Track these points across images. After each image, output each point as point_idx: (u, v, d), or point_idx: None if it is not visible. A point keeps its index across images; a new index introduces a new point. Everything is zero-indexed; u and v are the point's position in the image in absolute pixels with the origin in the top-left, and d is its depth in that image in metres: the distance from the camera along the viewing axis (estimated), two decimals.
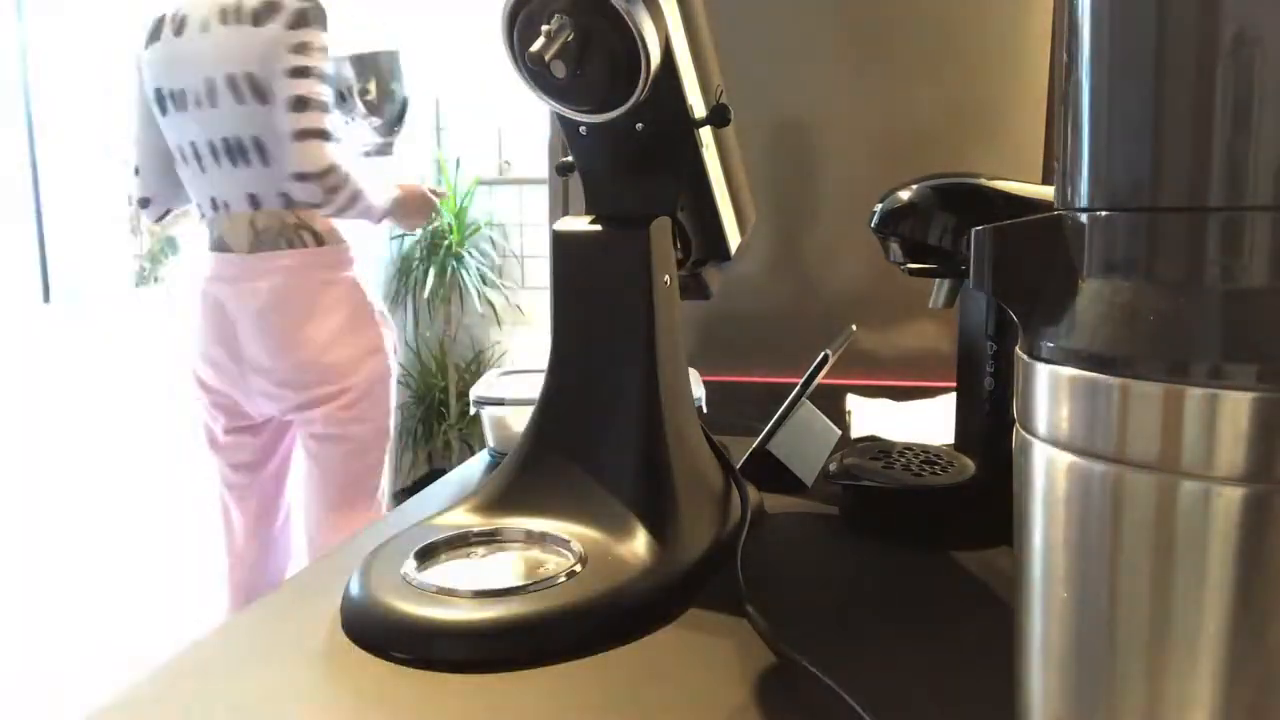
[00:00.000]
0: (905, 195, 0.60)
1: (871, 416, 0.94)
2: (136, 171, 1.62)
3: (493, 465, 0.82)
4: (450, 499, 0.61)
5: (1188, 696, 0.25)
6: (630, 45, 0.49)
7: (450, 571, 0.51)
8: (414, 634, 0.46)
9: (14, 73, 2.01)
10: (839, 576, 0.58)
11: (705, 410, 0.84)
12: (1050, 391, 0.28)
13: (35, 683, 1.87)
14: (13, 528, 1.91)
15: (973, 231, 0.29)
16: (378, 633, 0.47)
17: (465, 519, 0.56)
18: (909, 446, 0.70)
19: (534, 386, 0.60)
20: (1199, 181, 0.24)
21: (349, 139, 1.53)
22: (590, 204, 0.59)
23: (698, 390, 0.83)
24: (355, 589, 0.49)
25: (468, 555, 0.53)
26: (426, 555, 0.52)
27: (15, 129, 2.02)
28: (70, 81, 2.11)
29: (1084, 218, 0.27)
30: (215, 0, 1.45)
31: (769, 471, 0.72)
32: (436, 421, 3.60)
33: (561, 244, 0.57)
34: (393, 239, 3.60)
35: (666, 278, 0.56)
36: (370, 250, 3.28)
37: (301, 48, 1.42)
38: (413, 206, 1.67)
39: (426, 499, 0.73)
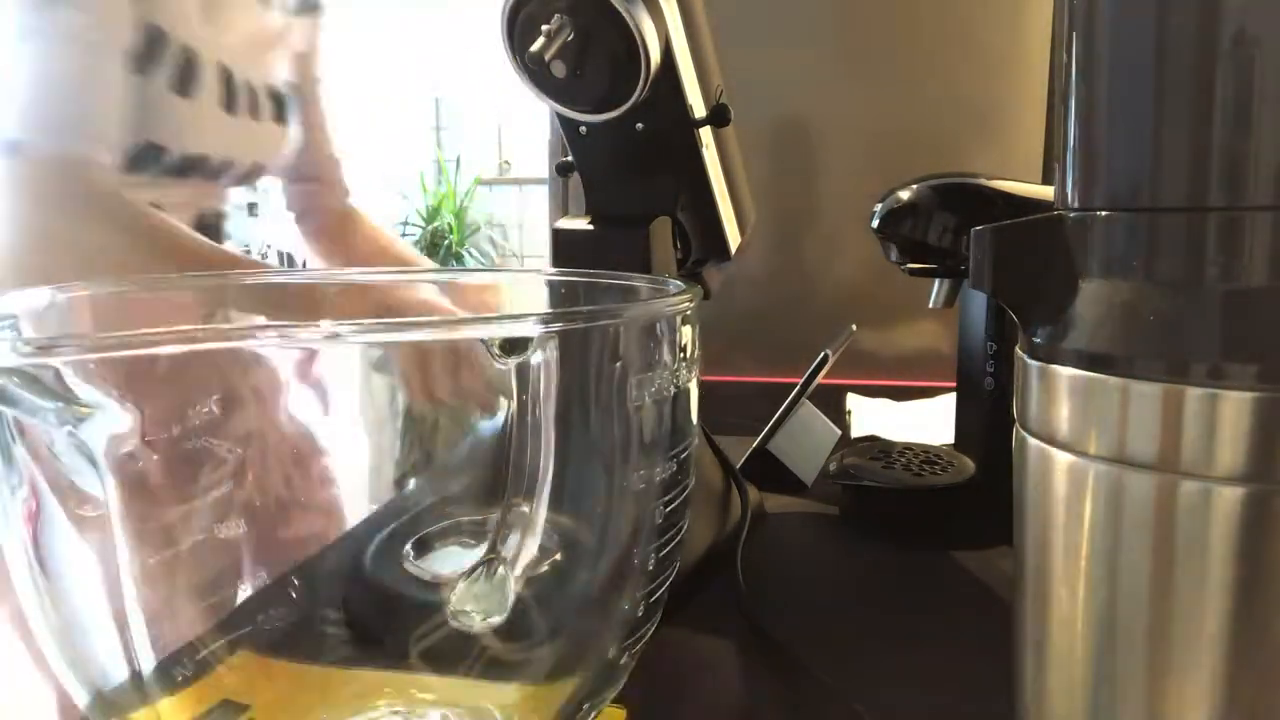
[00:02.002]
0: (905, 195, 0.60)
1: (871, 416, 0.95)
2: None
3: None
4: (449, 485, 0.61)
5: (1188, 696, 0.25)
6: (630, 45, 0.49)
7: (446, 560, 0.51)
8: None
9: None
10: (839, 576, 0.58)
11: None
12: (1050, 391, 0.28)
13: None
14: None
15: (973, 231, 0.29)
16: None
17: (455, 509, 0.55)
18: (909, 446, 0.70)
19: None
20: (1199, 181, 0.24)
21: None
22: (590, 204, 0.59)
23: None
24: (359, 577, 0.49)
25: (461, 544, 0.53)
26: (423, 544, 0.52)
27: None
28: None
29: (1084, 218, 0.27)
30: None
31: (769, 471, 0.72)
32: None
33: (562, 243, 0.57)
34: None
35: (665, 277, 0.56)
36: None
37: None
38: None
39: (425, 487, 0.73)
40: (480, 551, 0.48)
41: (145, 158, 0.82)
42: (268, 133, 0.95)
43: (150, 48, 0.79)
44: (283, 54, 0.96)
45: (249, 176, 0.96)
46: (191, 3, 0.83)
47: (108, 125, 0.76)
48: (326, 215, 1.08)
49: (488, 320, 0.32)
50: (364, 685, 0.37)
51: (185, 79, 0.82)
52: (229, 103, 0.88)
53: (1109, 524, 0.26)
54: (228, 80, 0.87)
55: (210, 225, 0.93)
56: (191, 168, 0.86)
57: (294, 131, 0.99)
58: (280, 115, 0.97)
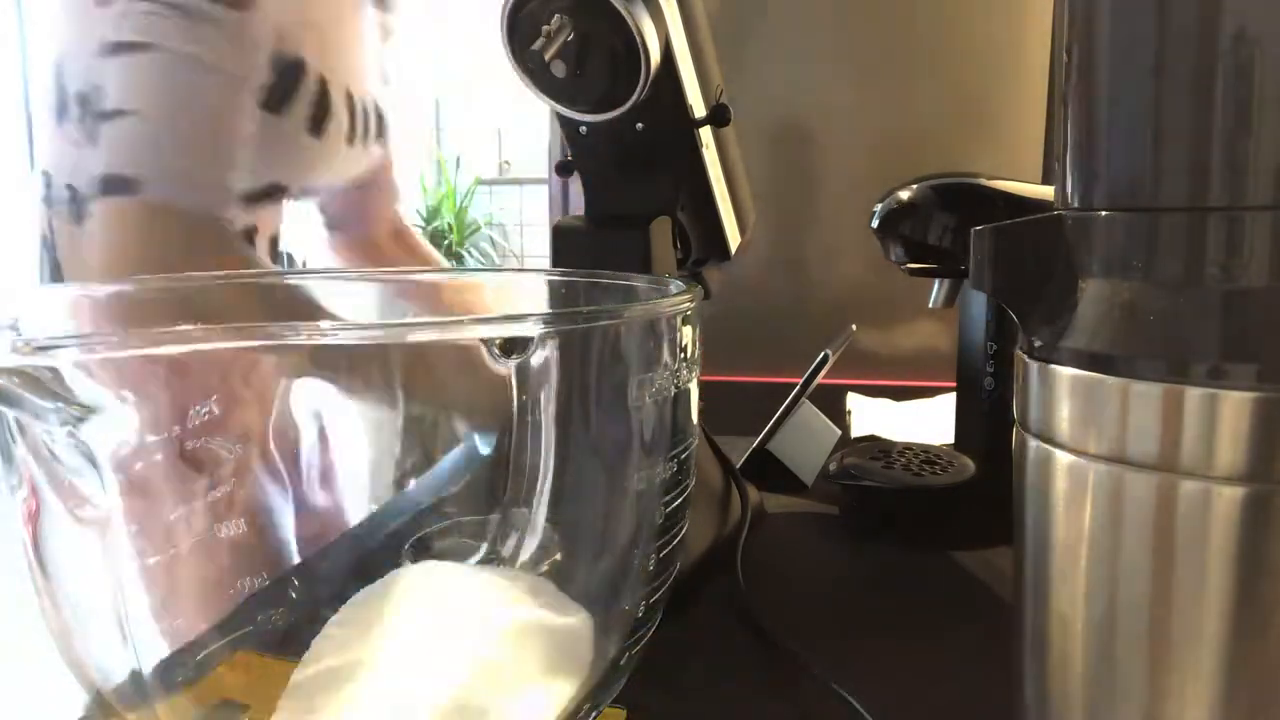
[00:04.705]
0: (905, 195, 0.60)
1: (871, 416, 0.95)
2: None
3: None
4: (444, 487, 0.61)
5: (1187, 696, 0.25)
6: (630, 45, 0.49)
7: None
8: None
9: (14, 68, 2.01)
10: (839, 576, 0.58)
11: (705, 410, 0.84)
12: (1050, 391, 0.28)
13: None
14: None
15: (973, 231, 0.29)
16: None
17: (455, 509, 0.56)
18: (909, 446, 0.70)
19: None
20: (1199, 181, 0.24)
21: None
22: (590, 204, 0.59)
23: None
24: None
25: (461, 544, 0.53)
26: (423, 546, 0.52)
27: (16, 123, 2.01)
28: None
29: (1084, 218, 0.27)
30: None
31: (769, 471, 0.72)
32: None
33: (562, 243, 0.57)
34: None
35: (666, 277, 0.56)
36: None
37: None
38: None
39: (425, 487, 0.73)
40: (480, 552, 0.49)
41: (261, 196, 0.74)
42: (368, 154, 0.85)
43: (286, 83, 0.71)
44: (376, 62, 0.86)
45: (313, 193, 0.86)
46: (321, 28, 0.74)
47: (238, 170, 0.69)
48: (374, 224, 0.95)
49: (488, 320, 0.32)
50: None
51: (319, 118, 0.74)
52: (351, 134, 0.79)
53: (1109, 524, 0.26)
54: (351, 109, 0.79)
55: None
56: (290, 196, 0.78)
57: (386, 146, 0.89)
58: (381, 132, 0.86)
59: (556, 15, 0.48)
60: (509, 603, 0.33)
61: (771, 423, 0.73)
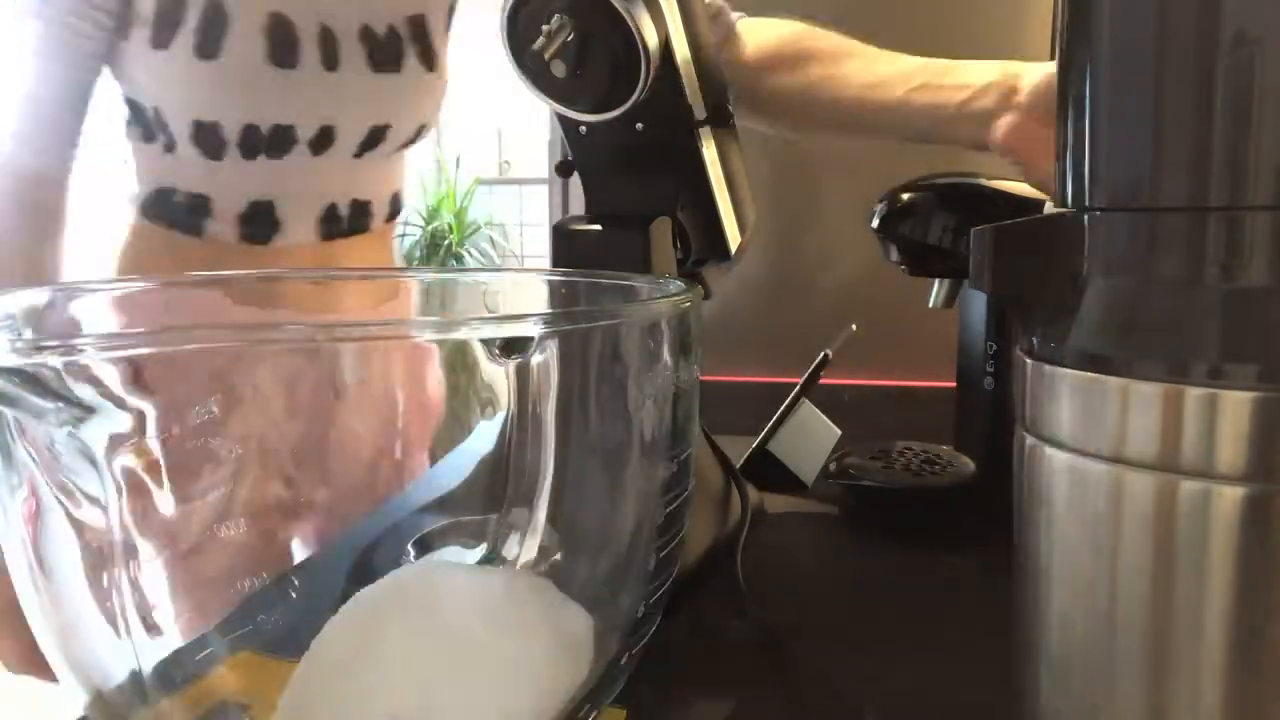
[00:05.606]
0: (905, 195, 0.60)
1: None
2: None
3: None
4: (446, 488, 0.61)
5: (1188, 696, 0.25)
6: (630, 45, 0.49)
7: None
8: None
9: None
10: (839, 576, 0.58)
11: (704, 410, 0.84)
12: (1050, 391, 0.28)
13: None
14: None
15: (973, 231, 0.29)
16: None
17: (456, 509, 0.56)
18: (909, 446, 0.70)
19: None
20: (1199, 181, 0.24)
21: None
22: (590, 204, 0.59)
23: None
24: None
25: (461, 544, 0.53)
26: (423, 546, 0.52)
27: None
28: None
29: (1084, 218, 0.27)
30: None
31: (769, 471, 0.72)
32: None
33: (562, 243, 0.57)
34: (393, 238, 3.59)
35: (666, 277, 0.56)
36: None
37: None
38: None
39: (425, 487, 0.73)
40: (480, 551, 0.49)
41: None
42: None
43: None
44: None
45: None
46: None
47: None
48: None
49: (488, 320, 0.32)
50: None
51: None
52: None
53: (1109, 524, 0.26)
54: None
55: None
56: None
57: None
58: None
59: (556, 15, 0.48)
60: (509, 602, 0.33)
61: (771, 423, 0.73)
